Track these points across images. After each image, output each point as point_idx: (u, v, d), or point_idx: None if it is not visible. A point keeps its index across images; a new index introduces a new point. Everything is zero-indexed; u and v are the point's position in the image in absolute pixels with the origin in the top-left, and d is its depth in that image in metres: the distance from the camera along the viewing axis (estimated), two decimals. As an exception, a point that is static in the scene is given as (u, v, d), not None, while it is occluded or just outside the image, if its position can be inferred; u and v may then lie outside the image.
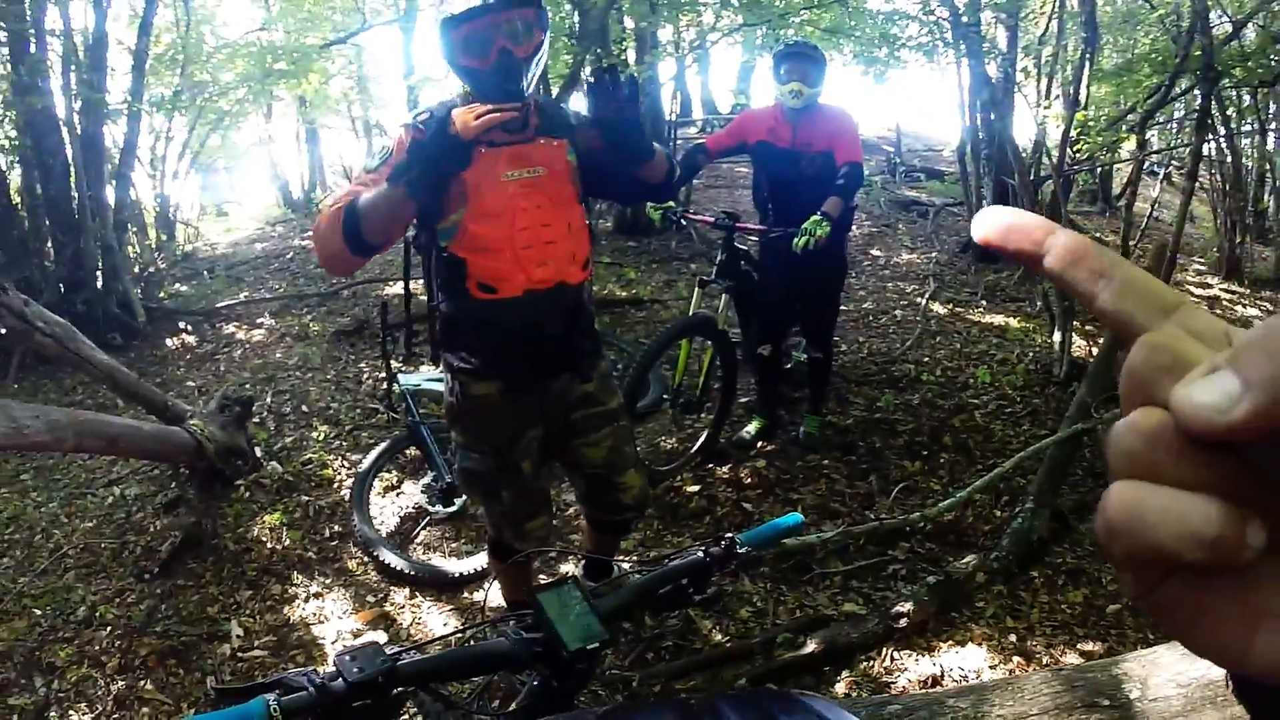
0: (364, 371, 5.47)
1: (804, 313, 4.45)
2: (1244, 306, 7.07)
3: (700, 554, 1.35)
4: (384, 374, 4.48)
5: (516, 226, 2.17)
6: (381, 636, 3.22)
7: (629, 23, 7.64)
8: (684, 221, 4.33)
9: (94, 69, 6.09)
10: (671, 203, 4.14)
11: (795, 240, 3.67)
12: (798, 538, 3.21)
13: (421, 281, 2.43)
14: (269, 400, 5.09)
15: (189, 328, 6.41)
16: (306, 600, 3.47)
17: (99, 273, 6.12)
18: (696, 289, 4.21)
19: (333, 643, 3.21)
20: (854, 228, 8.50)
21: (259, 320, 6.54)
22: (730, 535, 1.39)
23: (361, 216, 1.98)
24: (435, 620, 3.32)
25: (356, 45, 12.13)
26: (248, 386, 5.20)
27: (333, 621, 3.34)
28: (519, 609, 1.13)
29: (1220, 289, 7.54)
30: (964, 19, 5.79)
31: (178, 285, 7.50)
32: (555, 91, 5.24)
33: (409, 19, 10.39)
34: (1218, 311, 6.77)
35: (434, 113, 2.03)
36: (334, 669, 0.95)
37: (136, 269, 6.85)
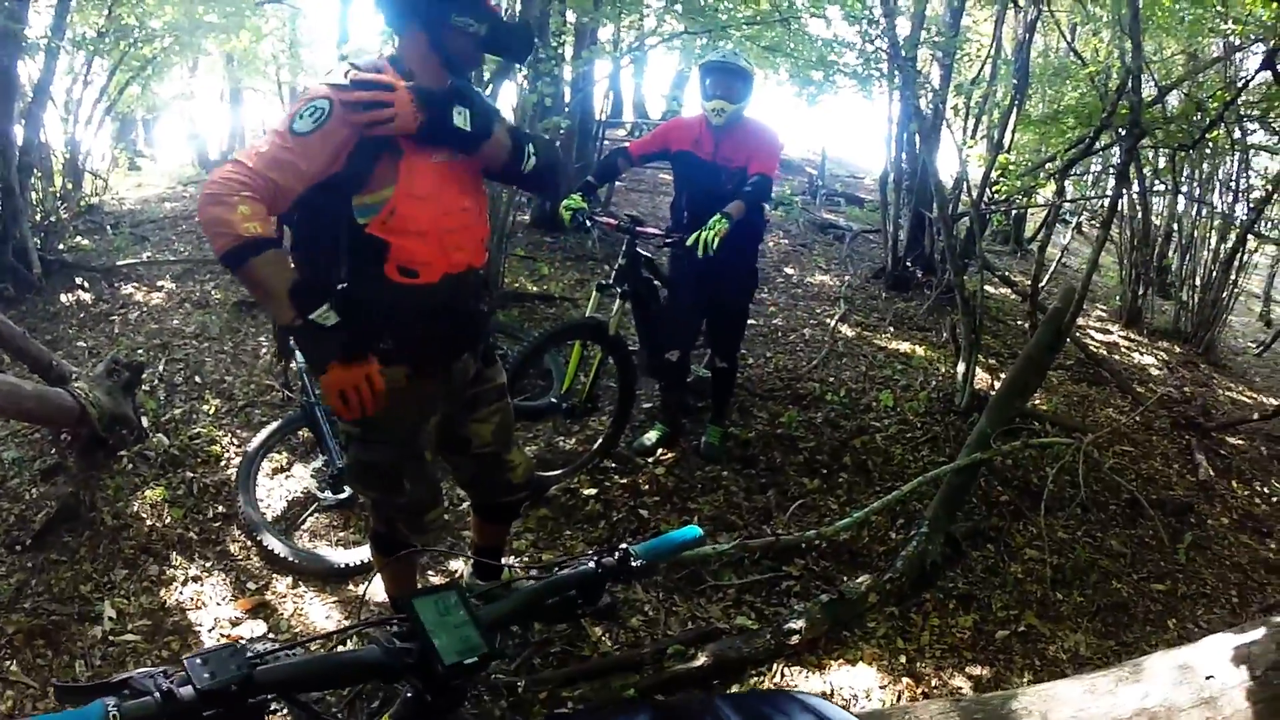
0: (263, 346, 5.27)
1: (712, 321, 4.46)
2: (1141, 354, 7.38)
3: (592, 564, 1.31)
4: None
5: (442, 209, 2.13)
6: (261, 626, 3.09)
7: (570, 16, 7.55)
8: (590, 223, 4.28)
9: (16, -1, 5.72)
10: (582, 202, 4.05)
11: (691, 236, 3.66)
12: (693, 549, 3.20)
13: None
14: (161, 368, 4.86)
15: (86, 284, 6.08)
16: (185, 583, 3.31)
17: (-3, 216, 5.76)
18: (595, 292, 4.16)
19: (209, 630, 3.07)
20: (770, 244, 8.63)
21: (160, 283, 6.26)
22: (625, 546, 1.35)
23: (242, 277, 2.02)
24: (318, 612, 3.21)
25: (292, 7, 11.78)
26: (140, 352, 4.97)
27: (211, 608, 3.19)
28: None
29: (1120, 336, 7.85)
30: (903, 52, 5.89)
31: (79, 238, 7.10)
32: (487, 76, 5.13)
33: (348, -14, 10.08)
34: (1116, 357, 7.05)
35: (363, 72, 2.01)
36: (184, 673, 0.88)
37: (38, 217, 6.43)
